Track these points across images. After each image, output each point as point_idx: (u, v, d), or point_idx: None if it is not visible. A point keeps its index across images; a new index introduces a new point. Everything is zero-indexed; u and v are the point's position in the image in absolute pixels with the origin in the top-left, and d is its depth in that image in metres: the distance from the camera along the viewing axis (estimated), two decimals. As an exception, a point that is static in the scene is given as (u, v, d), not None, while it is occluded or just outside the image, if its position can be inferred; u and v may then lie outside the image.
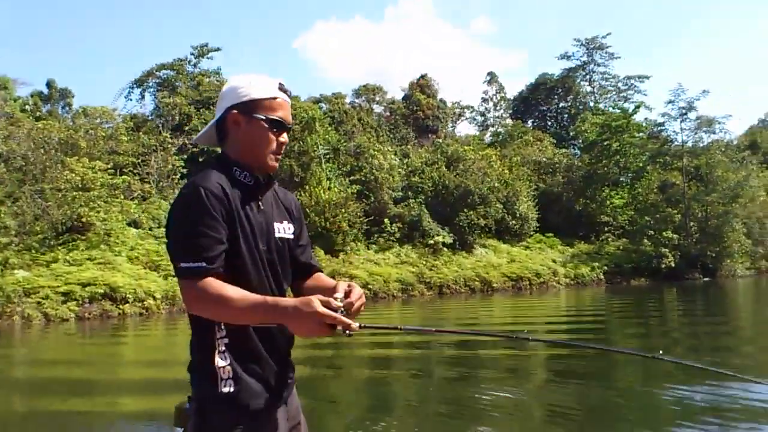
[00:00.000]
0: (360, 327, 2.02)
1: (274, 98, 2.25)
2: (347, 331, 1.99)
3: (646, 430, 6.47)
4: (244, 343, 2.14)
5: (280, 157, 2.30)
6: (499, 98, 71.65)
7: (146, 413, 8.03)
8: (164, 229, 2.22)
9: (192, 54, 52.60)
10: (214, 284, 2.01)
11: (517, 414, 7.31)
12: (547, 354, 12.30)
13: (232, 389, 2.10)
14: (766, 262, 53.03)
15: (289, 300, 2.04)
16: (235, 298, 2.00)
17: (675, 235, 46.36)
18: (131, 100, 52.43)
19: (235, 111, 2.23)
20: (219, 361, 2.11)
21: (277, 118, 2.24)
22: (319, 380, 9.73)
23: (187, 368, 2.23)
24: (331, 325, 1.96)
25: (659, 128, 54.82)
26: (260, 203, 2.25)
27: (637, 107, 58.39)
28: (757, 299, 28.19)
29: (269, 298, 2.04)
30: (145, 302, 25.91)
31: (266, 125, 2.22)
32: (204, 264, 2.02)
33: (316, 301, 1.96)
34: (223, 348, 2.12)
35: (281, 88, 2.28)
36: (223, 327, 2.12)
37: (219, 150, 2.35)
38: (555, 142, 62.19)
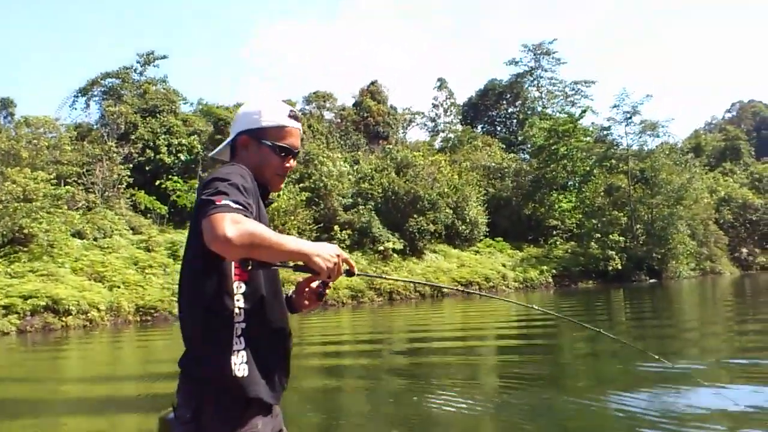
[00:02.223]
0: (356, 273, 2.27)
1: (283, 126, 2.39)
2: (351, 274, 2.24)
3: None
4: (260, 331, 2.21)
5: (285, 179, 2.49)
6: (449, 104, 72.08)
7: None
8: (195, 199, 2.17)
9: (138, 62, 51.93)
10: (248, 218, 2.00)
11: (469, 425, 7.31)
12: (498, 360, 12.38)
13: (246, 373, 2.14)
14: (711, 263, 54.29)
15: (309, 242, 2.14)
16: (268, 230, 2.02)
17: (621, 238, 47.24)
18: (76, 109, 51.59)
19: (246, 136, 2.38)
20: (235, 345, 2.15)
21: (285, 145, 2.38)
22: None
23: (179, 362, 2.23)
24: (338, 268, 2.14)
25: (605, 132, 55.89)
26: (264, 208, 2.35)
27: (584, 112, 59.43)
28: (701, 300, 28.80)
29: (293, 236, 2.15)
30: (89, 314, 25.40)
31: (273, 151, 2.37)
32: (244, 209, 2.02)
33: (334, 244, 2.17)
34: (240, 332, 2.16)
35: (292, 115, 2.43)
36: (242, 311, 2.17)
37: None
38: (504, 147, 62.89)
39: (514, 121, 73.93)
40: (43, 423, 8.47)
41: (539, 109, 70.40)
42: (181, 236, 36.29)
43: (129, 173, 39.72)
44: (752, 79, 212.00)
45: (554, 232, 50.79)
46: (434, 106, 71.73)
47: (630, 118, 52.78)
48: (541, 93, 74.39)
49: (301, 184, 42.24)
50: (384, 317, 26.07)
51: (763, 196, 62.75)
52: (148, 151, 43.03)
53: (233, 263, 2.16)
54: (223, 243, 1.92)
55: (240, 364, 2.13)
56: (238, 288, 2.19)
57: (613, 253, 45.92)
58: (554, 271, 44.83)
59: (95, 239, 32.81)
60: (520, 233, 50.23)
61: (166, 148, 43.81)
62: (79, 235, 32.49)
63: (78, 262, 29.32)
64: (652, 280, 46.30)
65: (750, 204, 61.07)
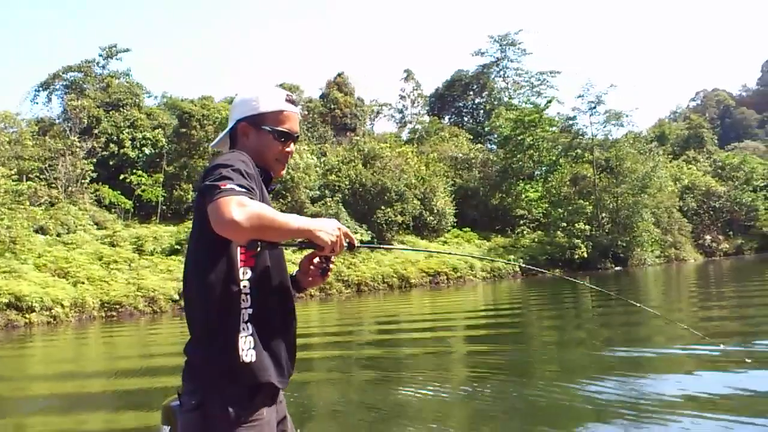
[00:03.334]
0: (357, 245, 2.27)
1: (281, 111, 2.39)
2: (352, 248, 2.23)
3: (567, 426, 6.55)
4: (266, 316, 2.21)
5: (285, 164, 2.46)
6: (416, 95, 72.06)
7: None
8: (198, 186, 2.17)
9: (100, 55, 51.24)
10: (254, 201, 2.01)
11: (440, 414, 7.32)
12: (467, 350, 12.43)
13: (254, 359, 2.14)
14: (675, 250, 55.00)
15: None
16: (273, 210, 2.05)
17: (587, 226, 47.66)
18: (37, 103, 50.79)
19: (245, 123, 2.37)
20: (242, 331, 2.15)
21: (284, 129, 2.39)
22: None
23: (185, 349, 2.24)
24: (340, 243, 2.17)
25: (570, 122, 56.25)
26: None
27: (549, 102, 59.77)
28: (666, 286, 29.20)
29: (295, 214, 2.15)
30: (52, 310, 25.04)
31: (273, 137, 2.37)
32: (246, 190, 2.02)
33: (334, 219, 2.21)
34: (247, 318, 2.16)
35: (288, 99, 2.43)
36: (248, 297, 2.17)
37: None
38: (471, 137, 63.06)
39: (481, 111, 74.09)
40: (8, 424, 8.31)
41: (505, 99, 70.64)
42: (146, 230, 35.97)
43: (92, 168, 39.28)
44: (716, 68, 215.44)
45: (521, 222, 51.05)
46: (401, 97, 71.74)
47: (594, 107, 53.20)
48: (507, 83, 74.68)
49: (267, 177, 42.00)
50: (352, 309, 26.05)
51: (726, 183, 63.62)
52: (111, 145, 42.55)
53: (239, 249, 2.17)
54: (232, 226, 1.93)
55: (248, 349, 2.13)
56: (244, 274, 2.19)
57: (579, 241, 46.32)
58: (521, 260, 45.11)
59: (59, 235, 32.38)
60: (487, 223, 50.49)
61: (130, 142, 43.36)
62: (42, 230, 32.04)
63: (41, 258, 28.90)
64: (617, 268, 46.82)
65: (713, 191, 61.93)
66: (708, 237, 60.27)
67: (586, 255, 45.87)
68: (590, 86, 53.13)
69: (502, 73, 74.93)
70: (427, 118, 70.45)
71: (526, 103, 63.44)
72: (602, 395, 7.22)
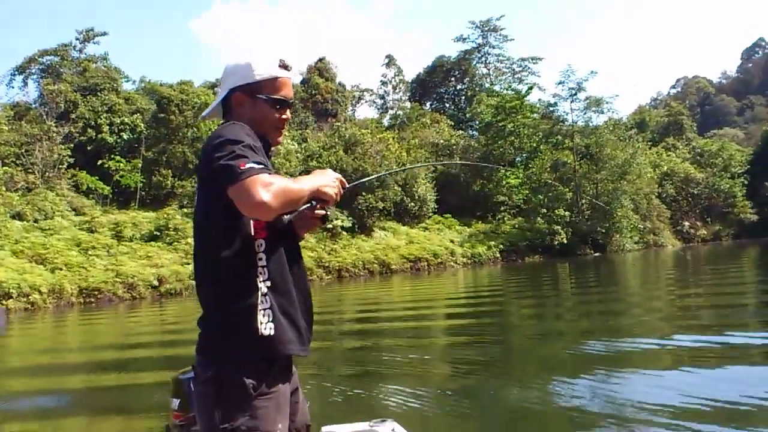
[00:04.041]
0: (348, 186, 2.41)
1: (276, 78, 2.33)
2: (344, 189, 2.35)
3: (547, 423, 6.56)
4: (283, 286, 2.20)
5: (284, 131, 2.44)
6: (398, 81, 71.90)
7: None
8: (202, 168, 2.18)
9: (77, 39, 50.62)
10: (272, 176, 2.05)
11: (419, 409, 7.31)
12: (446, 342, 12.42)
13: (273, 332, 2.13)
14: (654, 236, 55.44)
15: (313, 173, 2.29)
16: (290, 181, 2.12)
17: (567, 213, 47.96)
18: (13, 88, 50.25)
19: (239, 92, 2.31)
20: (261, 304, 2.13)
21: (280, 97, 2.34)
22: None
23: (199, 323, 2.22)
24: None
25: (551, 109, 56.38)
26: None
27: (530, 89, 59.84)
28: (644, 272, 29.42)
29: (301, 178, 2.23)
30: (30, 297, 24.83)
31: (269, 105, 2.31)
32: (262, 166, 2.04)
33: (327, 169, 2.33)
34: (265, 290, 2.15)
35: (282, 65, 2.36)
36: (265, 269, 2.16)
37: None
38: (452, 124, 63.09)
39: (463, 97, 74.13)
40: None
41: (487, 85, 70.65)
42: (125, 216, 35.71)
43: (70, 153, 38.92)
44: (696, 55, 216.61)
45: (502, 208, 51.22)
46: (383, 83, 71.57)
47: (575, 94, 53.40)
48: (488, 70, 74.77)
49: (247, 163, 41.85)
50: (333, 295, 26.03)
51: (705, 170, 64.15)
52: (89, 130, 42.14)
53: (252, 222, 2.16)
54: (263, 208, 1.99)
55: (267, 323, 2.12)
56: (260, 246, 2.17)
57: (559, 227, 46.60)
58: (502, 246, 45.29)
59: (36, 221, 32.09)
60: (468, 210, 50.59)
61: (108, 127, 42.96)
62: (18, 216, 31.74)
63: (18, 245, 28.66)
64: (596, 254, 47.14)
65: (692, 178, 62.45)
66: (686, 223, 60.81)
67: (565, 241, 46.16)
68: (571, 73, 53.21)
69: (483, 59, 75.04)
70: (408, 104, 70.37)
71: (507, 89, 63.45)
72: (578, 392, 7.23)
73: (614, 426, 6.05)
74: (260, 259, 2.16)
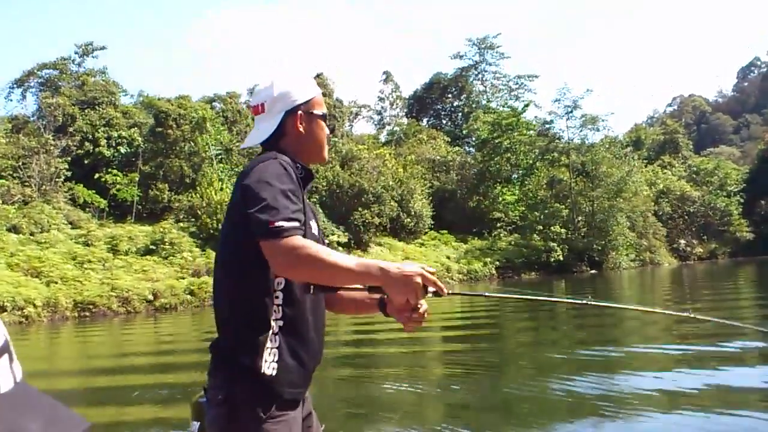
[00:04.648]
0: (448, 294, 2.07)
1: (318, 94, 2.35)
2: (439, 296, 2.05)
3: (542, 422, 6.58)
4: (297, 327, 2.16)
5: None
6: (395, 97, 72.10)
7: None
8: (235, 202, 2.14)
9: (76, 53, 50.77)
10: (308, 241, 1.97)
11: (416, 409, 7.33)
12: (443, 350, 12.44)
13: (275, 372, 2.09)
14: (650, 254, 55.44)
15: (384, 262, 1.98)
16: (333, 253, 1.96)
17: (563, 230, 47.98)
18: (11, 101, 50.31)
19: (301, 112, 2.27)
20: (269, 342, 2.09)
21: (325, 112, 2.35)
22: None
23: (211, 347, 2.20)
24: (423, 289, 1.97)
25: (547, 126, 56.59)
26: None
27: (526, 106, 60.14)
28: (640, 289, 29.45)
29: (362, 258, 2.04)
30: (24, 310, 24.75)
31: (323, 122, 2.32)
32: (298, 224, 1.97)
33: (417, 264, 1.98)
34: (277, 330, 2.11)
35: (316, 82, 2.40)
36: (280, 308, 2.12)
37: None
38: (449, 140, 63.20)
39: (459, 114, 74.29)
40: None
41: (483, 102, 70.85)
42: (121, 230, 35.65)
43: (67, 166, 38.91)
44: (693, 74, 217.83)
45: (498, 225, 51.19)
46: (380, 99, 71.72)
47: (571, 112, 53.63)
48: (485, 87, 74.96)
49: (244, 178, 41.89)
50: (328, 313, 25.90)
51: (701, 188, 64.30)
52: (86, 143, 42.14)
53: None
54: (286, 272, 2.00)
55: (270, 362, 2.09)
56: (278, 284, 2.12)
57: (555, 244, 46.63)
58: (498, 262, 45.27)
59: (32, 234, 32.03)
60: (464, 226, 50.59)
61: (105, 140, 42.96)
62: (14, 229, 31.68)
63: (14, 257, 28.57)
64: (593, 271, 47.14)
65: (688, 196, 62.54)
66: (682, 241, 60.83)
67: (561, 258, 46.16)
68: (567, 90, 53.49)
69: (480, 76, 75.24)
70: (405, 120, 70.49)
71: (503, 106, 63.70)
72: (577, 392, 7.27)
73: (610, 418, 6.10)
74: (276, 297, 2.12)
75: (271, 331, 2.10)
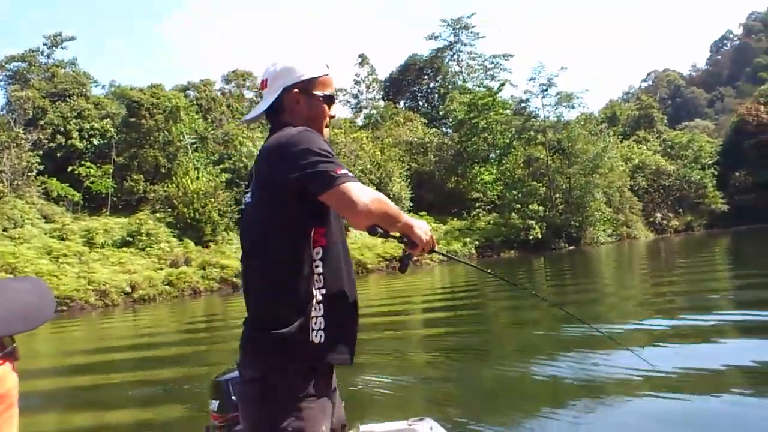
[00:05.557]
0: (435, 251, 2.39)
1: (325, 75, 2.38)
2: (432, 251, 2.36)
3: (526, 405, 6.58)
4: (339, 293, 2.21)
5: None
6: (371, 80, 71.86)
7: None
8: (281, 169, 2.14)
9: (45, 44, 50.01)
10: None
11: (400, 396, 7.31)
12: (426, 334, 12.44)
13: (323, 340, 2.14)
14: (627, 228, 55.83)
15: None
16: (388, 199, 2.20)
17: (541, 208, 48.24)
18: (-22, 95, 49.52)
19: (296, 90, 2.32)
20: (314, 311, 2.14)
21: (330, 93, 2.38)
22: (194, 358, 9.40)
23: (246, 322, 2.23)
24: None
25: (523, 105, 56.67)
26: None
27: (502, 85, 60.10)
28: (617, 264, 29.65)
29: None
30: None
31: (323, 101, 2.35)
32: (353, 174, 2.13)
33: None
34: (321, 298, 2.15)
35: (326, 63, 2.42)
36: (321, 277, 2.16)
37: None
38: (426, 122, 63.13)
39: (436, 95, 74.13)
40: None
41: (459, 83, 70.78)
42: (97, 223, 35.30)
43: (39, 160, 38.47)
44: (667, 48, 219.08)
45: (476, 205, 51.37)
46: (356, 82, 71.44)
47: (546, 90, 53.71)
48: (461, 67, 74.84)
49: (221, 165, 41.61)
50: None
51: (675, 162, 64.69)
52: (58, 136, 41.65)
53: (313, 229, 2.16)
54: (363, 211, 2.07)
55: (318, 330, 2.13)
56: (317, 254, 2.17)
57: (533, 222, 46.86)
58: (477, 242, 45.42)
59: (5, 230, 31.66)
60: (443, 207, 50.66)
61: (77, 132, 42.49)
62: (-14, 225, 31.28)
63: (-15, 254, 28.21)
64: (571, 247, 47.44)
65: (663, 170, 62.90)
66: (658, 215, 61.26)
67: (540, 235, 46.41)
68: (541, 69, 53.55)
69: (455, 56, 75.10)
70: (382, 103, 70.29)
71: (479, 86, 63.68)
72: (559, 374, 7.27)
73: (595, 399, 6.11)
74: (317, 266, 2.16)
75: (314, 300, 2.14)
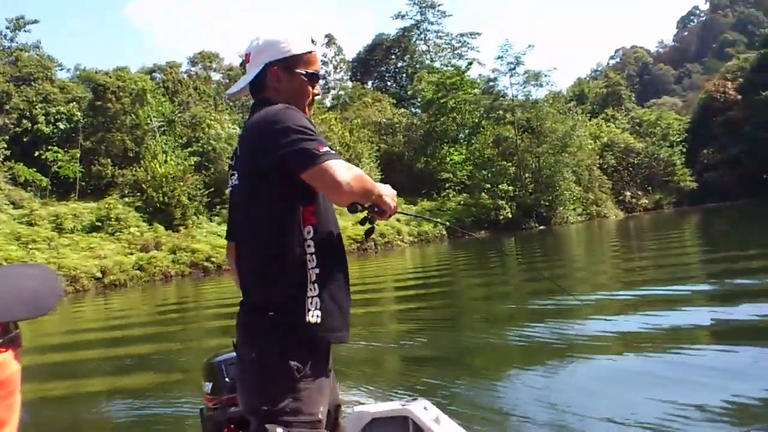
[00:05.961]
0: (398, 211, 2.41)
1: (310, 52, 2.33)
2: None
3: (497, 370, 6.73)
4: (332, 273, 2.20)
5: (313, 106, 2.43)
6: (338, 60, 71.49)
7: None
8: (264, 149, 2.13)
9: (7, 28, 49.07)
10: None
11: (374, 362, 7.43)
12: (398, 309, 12.57)
13: (319, 320, 2.13)
14: (596, 207, 56.31)
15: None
16: (363, 171, 2.19)
17: (511, 187, 48.54)
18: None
19: (277, 67, 2.27)
20: (309, 291, 2.13)
21: (314, 71, 2.33)
22: (166, 335, 9.44)
23: (244, 302, 2.24)
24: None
25: (491, 84, 56.76)
26: None
27: (470, 64, 60.21)
28: (587, 240, 30.01)
29: None
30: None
31: (306, 79, 2.30)
32: (335, 151, 2.09)
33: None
34: (315, 278, 2.14)
35: (312, 39, 2.37)
36: (314, 257, 2.15)
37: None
38: (394, 102, 63.00)
39: (404, 75, 73.95)
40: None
41: (427, 62, 70.64)
42: (65, 208, 34.90)
43: (5, 145, 37.94)
44: (634, 25, 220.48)
45: (446, 185, 51.44)
46: (323, 63, 70.86)
47: (514, 68, 53.87)
48: (428, 46, 74.68)
49: (189, 149, 41.29)
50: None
51: (644, 139, 65.14)
52: (24, 121, 41.01)
53: (302, 208, 2.15)
54: (346, 188, 2.04)
55: (314, 310, 2.13)
56: (308, 233, 2.16)
57: (504, 202, 47.15)
58: (448, 223, 45.58)
59: (-28, 216, 31.18)
60: (413, 188, 50.71)
61: (43, 117, 41.85)
62: (-47, 212, 30.80)
63: (-47, 241, 27.81)
64: (541, 227, 47.81)
65: (631, 148, 63.37)
66: (628, 193, 61.83)
67: (510, 215, 46.73)
68: (509, 47, 53.66)
69: (423, 36, 74.88)
70: (350, 84, 70.04)
71: (447, 65, 63.64)
72: (531, 339, 7.47)
73: (565, 359, 6.29)
74: (308, 246, 2.15)
75: (309, 280, 2.13)
